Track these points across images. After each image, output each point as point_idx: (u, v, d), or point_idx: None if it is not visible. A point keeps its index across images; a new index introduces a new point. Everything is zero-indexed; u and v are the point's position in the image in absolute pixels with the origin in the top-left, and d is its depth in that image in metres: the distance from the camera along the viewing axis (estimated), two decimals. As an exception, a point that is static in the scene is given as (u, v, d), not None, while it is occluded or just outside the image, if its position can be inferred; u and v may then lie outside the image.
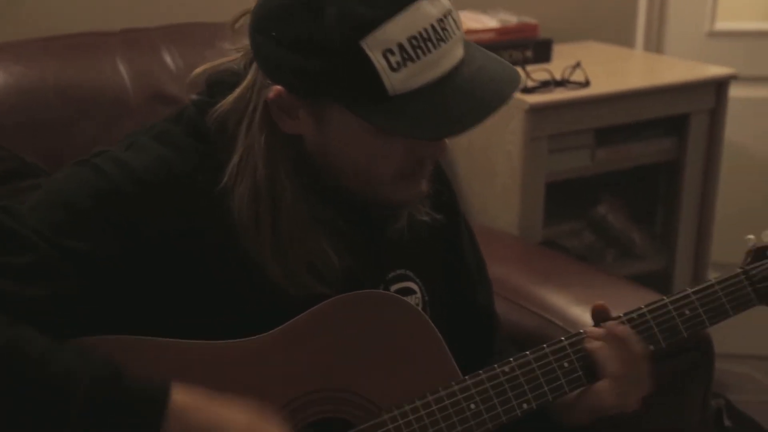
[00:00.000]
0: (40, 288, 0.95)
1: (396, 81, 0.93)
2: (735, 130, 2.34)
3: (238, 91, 1.02)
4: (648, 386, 1.09)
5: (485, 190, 2.05)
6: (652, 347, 1.11)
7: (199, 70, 1.09)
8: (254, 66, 1.01)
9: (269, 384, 1.02)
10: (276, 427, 0.96)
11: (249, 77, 1.02)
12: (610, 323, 1.10)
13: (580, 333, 1.11)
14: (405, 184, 1.04)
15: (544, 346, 1.10)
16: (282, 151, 1.01)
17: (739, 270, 1.16)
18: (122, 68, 1.62)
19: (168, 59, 1.66)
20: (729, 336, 2.35)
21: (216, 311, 1.02)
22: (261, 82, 1.00)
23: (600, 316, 1.12)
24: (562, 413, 1.12)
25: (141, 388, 0.92)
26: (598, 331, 1.10)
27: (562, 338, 1.10)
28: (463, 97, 0.95)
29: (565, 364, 1.09)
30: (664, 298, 1.13)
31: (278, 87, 0.98)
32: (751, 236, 1.19)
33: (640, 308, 1.12)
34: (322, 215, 1.05)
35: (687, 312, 1.12)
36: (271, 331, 1.02)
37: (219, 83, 1.05)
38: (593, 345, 1.09)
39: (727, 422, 1.93)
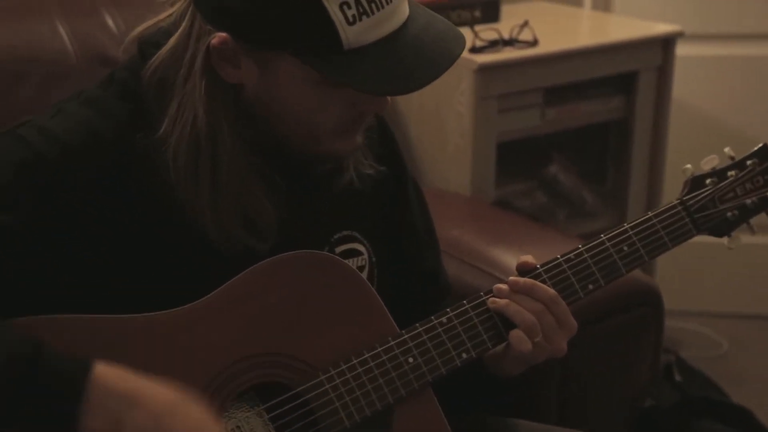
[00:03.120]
0: None
1: (351, 35, 0.93)
2: (683, 88, 2.35)
3: (172, 40, 1.01)
4: (572, 327, 1.08)
5: (437, 152, 2.04)
6: (591, 287, 1.10)
7: (133, 34, 1.07)
8: (189, 13, 1.00)
9: (204, 351, 1.00)
10: (198, 407, 0.93)
11: (184, 25, 1.01)
12: (511, 279, 1.09)
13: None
14: (342, 137, 1.04)
15: (481, 294, 1.09)
16: (222, 99, 1.00)
17: (676, 201, 1.14)
18: (62, 31, 1.57)
19: (110, 22, 1.62)
20: (679, 293, 2.39)
21: (150, 274, 1.00)
22: (199, 28, 0.99)
23: (525, 272, 1.10)
24: (495, 367, 1.12)
25: (60, 364, 0.89)
26: (504, 288, 1.09)
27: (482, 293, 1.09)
28: (414, 55, 0.95)
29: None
30: (602, 235, 1.11)
31: (223, 34, 0.97)
32: (689, 165, 1.15)
33: (578, 248, 1.11)
34: (261, 168, 1.03)
35: (625, 248, 1.11)
36: (203, 298, 1.00)
37: (152, 44, 1.04)
38: (499, 304, 1.07)
39: (677, 377, 1.95)
